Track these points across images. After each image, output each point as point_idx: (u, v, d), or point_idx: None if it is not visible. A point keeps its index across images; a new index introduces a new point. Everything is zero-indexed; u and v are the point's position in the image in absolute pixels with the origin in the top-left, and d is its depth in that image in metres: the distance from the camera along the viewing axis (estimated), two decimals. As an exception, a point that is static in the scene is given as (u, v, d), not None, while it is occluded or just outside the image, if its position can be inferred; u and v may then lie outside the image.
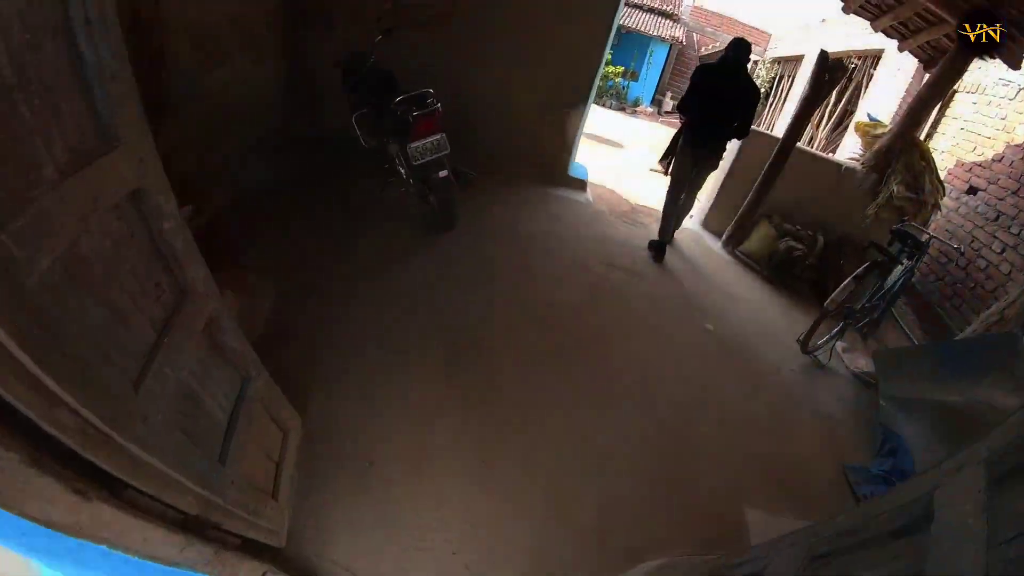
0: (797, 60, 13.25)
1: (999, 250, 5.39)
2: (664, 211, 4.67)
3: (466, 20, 4.90)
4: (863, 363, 4.16)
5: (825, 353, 4.04)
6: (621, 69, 15.23)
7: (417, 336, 2.86)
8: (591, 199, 5.55)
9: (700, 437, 2.86)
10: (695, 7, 17.87)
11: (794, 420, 3.29)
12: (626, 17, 15.93)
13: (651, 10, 17.27)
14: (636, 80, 16.23)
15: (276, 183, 4.08)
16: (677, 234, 5.17)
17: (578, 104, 5.16)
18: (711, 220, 5.72)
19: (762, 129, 5.46)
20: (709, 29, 17.67)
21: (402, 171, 3.57)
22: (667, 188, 4.56)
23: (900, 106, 7.54)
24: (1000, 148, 5.72)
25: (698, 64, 4.64)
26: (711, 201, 5.63)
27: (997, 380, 2.86)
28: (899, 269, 3.97)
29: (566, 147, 5.35)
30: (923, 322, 5.98)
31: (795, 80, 12.77)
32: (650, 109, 15.95)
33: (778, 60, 13.43)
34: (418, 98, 3.37)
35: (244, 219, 3.52)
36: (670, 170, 4.45)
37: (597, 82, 5.28)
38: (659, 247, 4.71)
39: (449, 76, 5.04)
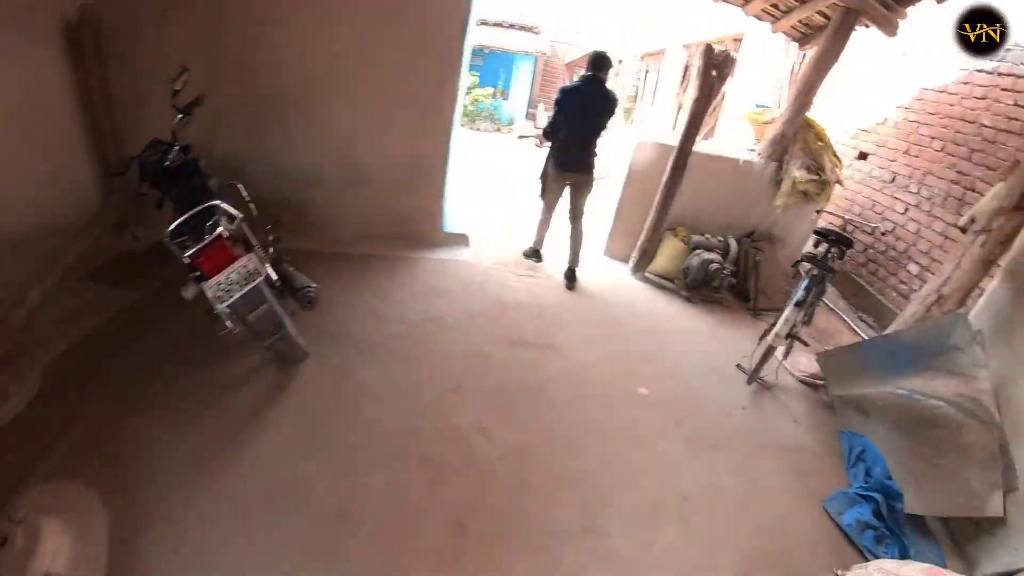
0: (659, 54, 13.41)
1: (902, 210, 5.38)
2: (540, 222, 4.70)
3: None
4: (804, 362, 3.91)
5: (770, 373, 3.68)
6: (490, 90, 14.80)
7: (284, 549, 1.97)
8: (477, 255, 4.77)
9: (665, 553, 2.24)
10: (554, 18, 17.94)
11: (761, 472, 2.85)
12: (488, 36, 15.64)
13: (511, 26, 17.12)
14: (506, 98, 15.86)
15: (104, 323, 3.00)
16: (582, 273, 4.64)
17: (440, 143, 4.39)
18: (614, 247, 5.20)
19: (655, 139, 4.96)
20: (571, 38, 17.79)
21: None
22: (543, 205, 4.57)
23: (778, 87, 7.58)
24: (882, 111, 5.71)
25: (561, 87, 4.26)
26: (609, 226, 5.13)
27: (944, 367, 2.84)
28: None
29: (436, 198, 4.57)
30: (844, 293, 5.80)
31: (660, 74, 12.91)
32: (524, 126, 15.60)
33: (642, 56, 13.52)
34: (199, 218, 2.39)
35: (67, 389, 2.51)
36: (546, 195, 4.45)
37: (459, 114, 4.58)
38: (534, 253, 4.80)
39: (283, 145, 4.20)
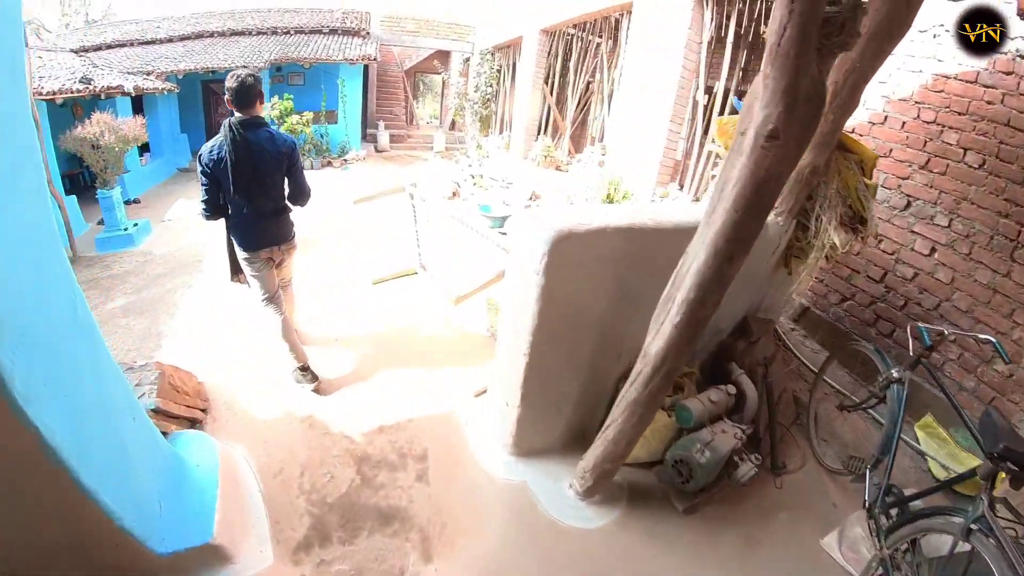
0: (515, 45, 11.45)
1: (927, 251, 3.75)
2: (285, 335, 3.44)
3: None
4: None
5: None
6: (310, 115, 11.63)
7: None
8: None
9: None
10: (384, 17, 15.33)
11: None
12: (300, 47, 12.76)
13: (333, 31, 14.41)
14: (336, 122, 12.85)
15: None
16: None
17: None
18: (528, 437, 2.57)
19: (600, 220, 2.57)
20: (407, 38, 15.34)
21: None
22: (264, 302, 3.37)
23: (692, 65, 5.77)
24: (878, 105, 3.99)
25: (199, 151, 2.98)
26: (513, 401, 2.48)
27: None
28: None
29: (84, 506, 1.53)
30: (846, 362, 4.00)
31: (517, 69, 10.99)
32: (362, 152, 12.81)
33: (496, 50, 11.38)
34: None
35: None
36: (254, 284, 3.36)
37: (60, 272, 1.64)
38: (305, 369, 3.47)
39: None
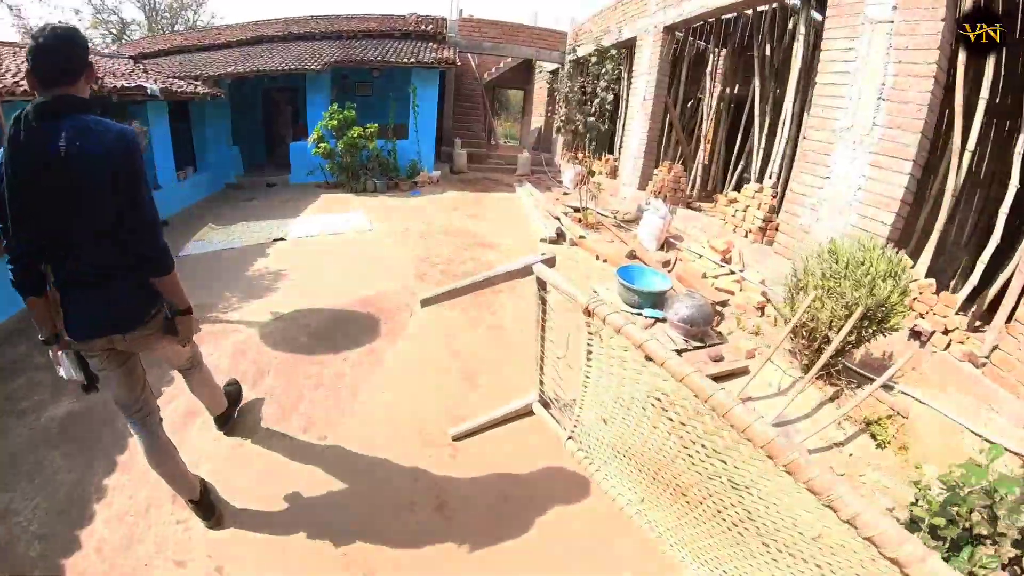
0: (627, 47, 9.58)
1: None
2: (154, 463, 2.21)
3: None
4: None
5: None
6: (374, 127, 9.87)
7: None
8: None
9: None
10: (462, 20, 13.77)
11: None
12: (366, 51, 11.25)
13: (406, 35, 13.00)
14: (406, 137, 11.11)
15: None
16: None
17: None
18: None
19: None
20: (487, 44, 13.72)
21: None
22: (122, 411, 2.20)
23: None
24: None
25: None
26: None
27: None
28: None
29: None
30: None
31: (631, 77, 9.09)
32: (435, 174, 11.16)
33: (609, 50, 9.47)
34: None
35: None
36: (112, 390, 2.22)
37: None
38: (197, 503, 2.44)
39: None
